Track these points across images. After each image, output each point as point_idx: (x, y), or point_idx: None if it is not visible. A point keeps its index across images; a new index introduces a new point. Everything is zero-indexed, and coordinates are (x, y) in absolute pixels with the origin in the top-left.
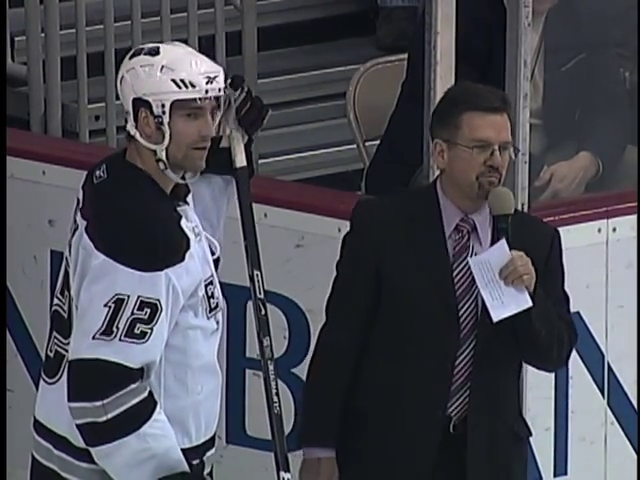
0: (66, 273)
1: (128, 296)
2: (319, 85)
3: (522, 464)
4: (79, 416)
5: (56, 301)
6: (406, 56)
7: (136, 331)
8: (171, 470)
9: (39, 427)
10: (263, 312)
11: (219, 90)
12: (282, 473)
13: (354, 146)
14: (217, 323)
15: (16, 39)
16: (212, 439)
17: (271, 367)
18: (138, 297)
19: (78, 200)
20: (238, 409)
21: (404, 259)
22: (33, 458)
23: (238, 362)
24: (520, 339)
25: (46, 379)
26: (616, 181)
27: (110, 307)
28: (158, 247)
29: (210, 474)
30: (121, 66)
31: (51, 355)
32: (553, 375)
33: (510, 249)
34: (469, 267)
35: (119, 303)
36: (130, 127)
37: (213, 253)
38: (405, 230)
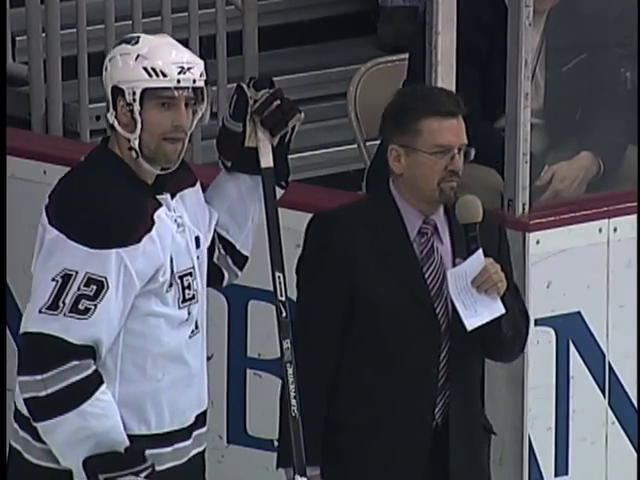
0: None
1: (76, 272)
2: (320, 85)
3: (488, 459)
4: (23, 390)
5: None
6: (407, 56)
7: (80, 307)
8: (109, 449)
9: (15, 410)
10: (284, 314)
11: (194, 81)
12: (298, 477)
13: (355, 146)
14: (189, 314)
15: (17, 39)
16: (185, 431)
17: (290, 370)
18: (86, 273)
19: None
20: (239, 409)
21: (376, 270)
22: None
23: (239, 362)
24: (487, 340)
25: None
26: (617, 181)
27: (57, 282)
28: (110, 225)
29: (191, 465)
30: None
31: None
32: (554, 375)
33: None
34: (438, 268)
35: (67, 278)
36: (109, 116)
37: (198, 247)
38: (370, 240)
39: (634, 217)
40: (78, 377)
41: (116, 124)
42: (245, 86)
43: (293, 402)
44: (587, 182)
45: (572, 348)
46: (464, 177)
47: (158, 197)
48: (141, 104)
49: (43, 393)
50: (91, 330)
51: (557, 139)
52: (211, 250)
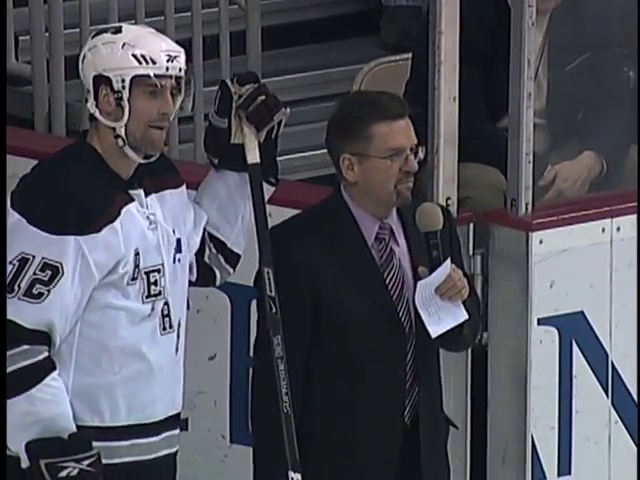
0: None
1: (33, 256)
2: (323, 84)
3: (446, 448)
4: None
5: None
6: (410, 56)
7: (34, 291)
8: (55, 435)
9: None
10: (274, 310)
11: (179, 70)
12: (291, 473)
13: None
14: (152, 310)
15: (20, 38)
16: (146, 427)
17: (281, 366)
18: (42, 258)
19: None
20: (242, 408)
21: (338, 280)
22: None
23: (242, 361)
24: (446, 340)
25: None
26: (620, 181)
27: (14, 265)
28: (69, 212)
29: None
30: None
31: None
32: (557, 375)
33: (441, 263)
34: (397, 272)
35: (23, 262)
36: (90, 105)
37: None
38: (328, 249)
39: (636, 217)
40: (28, 362)
41: (97, 114)
42: (229, 82)
43: (285, 398)
44: (590, 182)
45: (575, 348)
46: (468, 177)
47: (131, 192)
48: (130, 91)
49: None
50: (43, 315)
51: (560, 139)
52: (202, 250)
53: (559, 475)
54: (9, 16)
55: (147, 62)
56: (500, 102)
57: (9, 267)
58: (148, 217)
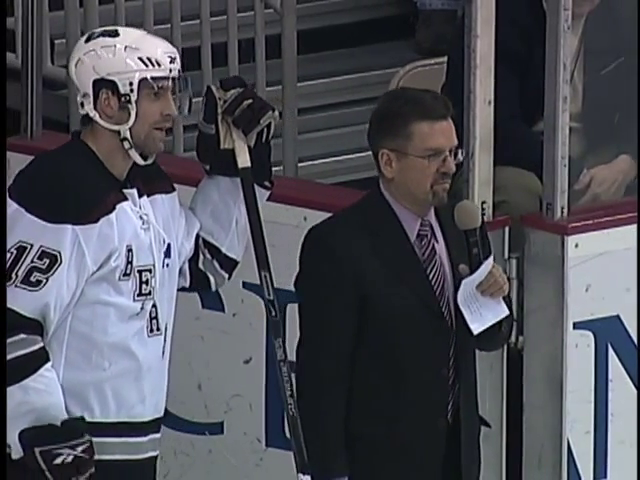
0: None
1: (31, 245)
2: (358, 88)
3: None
4: None
5: None
6: (445, 59)
7: (32, 279)
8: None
9: None
10: (274, 314)
11: (178, 71)
12: (301, 476)
13: None
14: (142, 309)
15: (56, 42)
16: (135, 426)
17: (284, 369)
18: (40, 246)
19: None
20: (277, 412)
21: (383, 277)
22: None
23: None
24: (483, 337)
25: None
26: None
27: (12, 253)
28: (68, 201)
29: (146, 463)
30: (74, 51)
31: None
32: (593, 379)
33: (482, 261)
34: (439, 268)
35: (21, 250)
36: (89, 109)
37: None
38: (372, 246)
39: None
40: (24, 351)
41: (97, 117)
42: (214, 87)
43: (290, 400)
44: (625, 185)
45: (611, 351)
46: (504, 181)
47: (125, 191)
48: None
49: None
50: (40, 303)
51: (595, 143)
52: (196, 256)
53: (595, 478)
54: (45, 19)
55: (153, 65)
56: (536, 106)
57: (7, 255)
58: (141, 217)
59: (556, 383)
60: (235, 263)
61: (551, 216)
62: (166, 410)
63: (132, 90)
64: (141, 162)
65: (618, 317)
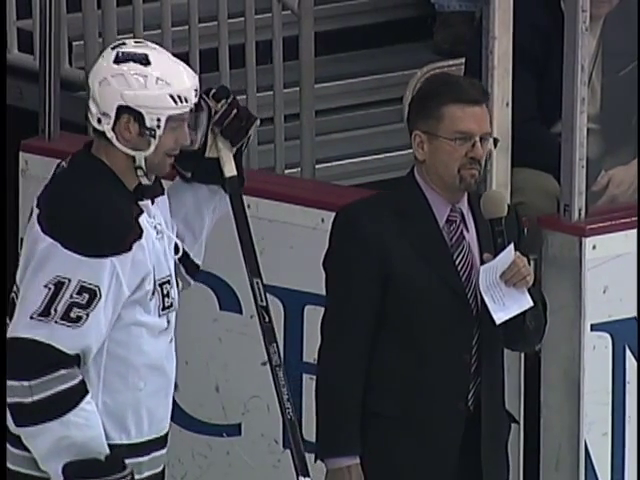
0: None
1: (69, 279)
2: (376, 90)
3: (506, 447)
4: (9, 395)
5: (14, 288)
6: (463, 61)
7: (72, 315)
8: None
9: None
10: (267, 319)
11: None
12: (302, 478)
13: (411, 150)
14: (168, 322)
15: (74, 44)
16: (161, 439)
17: (280, 373)
18: (79, 281)
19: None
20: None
21: (409, 256)
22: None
23: (295, 366)
24: (510, 331)
25: None
26: None
27: (50, 289)
28: (103, 233)
29: (162, 475)
30: (98, 67)
31: None
32: (610, 381)
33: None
34: (467, 255)
35: (59, 286)
36: (107, 129)
37: (177, 253)
38: (400, 227)
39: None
40: (65, 386)
41: (115, 139)
42: (207, 98)
43: (287, 405)
44: None
45: (628, 353)
46: (521, 182)
47: (140, 203)
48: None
49: (29, 400)
50: (82, 339)
51: (614, 144)
52: None
53: None
54: (62, 21)
55: (182, 102)
56: (554, 107)
57: (44, 291)
58: (155, 227)
59: (574, 384)
60: (198, 268)
61: (569, 217)
62: (184, 412)
63: (159, 126)
64: (147, 183)
65: (635, 319)
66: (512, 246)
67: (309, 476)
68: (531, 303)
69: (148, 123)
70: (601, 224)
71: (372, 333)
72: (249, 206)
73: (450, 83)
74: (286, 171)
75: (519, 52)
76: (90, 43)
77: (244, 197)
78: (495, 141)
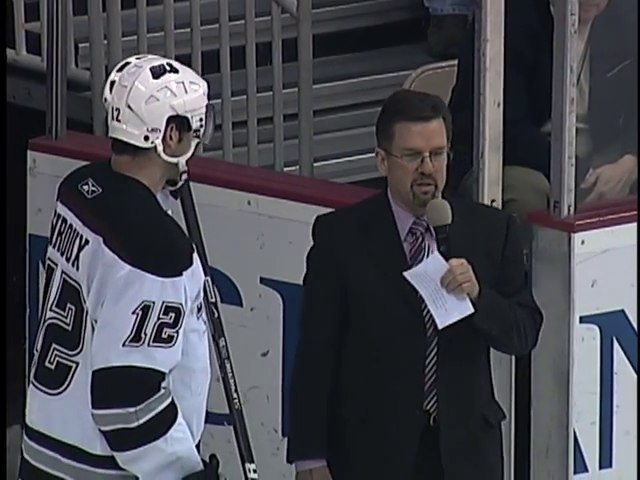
0: (64, 286)
1: (154, 302)
2: (372, 90)
3: (494, 446)
4: (108, 423)
5: (52, 314)
6: (456, 62)
7: (164, 335)
8: (192, 471)
9: (39, 437)
10: (216, 315)
11: None
12: (247, 464)
13: None
14: (205, 324)
15: (80, 45)
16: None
17: (228, 366)
18: (163, 302)
19: (65, 212)
20: None
21: (366, 270)
22: (30, 465)
23: (294, 357)
24: (477, 339)
25: (46, 390)
26: None
27: (138, 314)
28: (175, 253)
29: None
30: (136, 91)
31: (51, 367)
32: (598, 371)
33: (449, 257)
34: None
35: (146, 310)
36: (158, 143)
37: None
38: (363, 241)
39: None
40: (164, 405)
41: (162, 152)
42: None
43: (235, 395)
44: (630, 184)
45: (616, 345)
46: (512, 180)
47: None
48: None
49: (134, 424)
50: (175, 356)
51: (601, 143)
52: None
53: (601, 468)
54: (69, 23)
55: (208, 99)
56: (544, 107)
57: (132, 317)
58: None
59: (563, 375)
60: None
61: (558, 214)
62: None
63: (202, 125)
64: (174, 188)
65: (623, 312)
66: (437, 253)
67: (254, 462)
68: (471, 310)
69: (194, 125)
70: (589, 220)
71: (336, 341)
72: (249, 202)
73: (400, 101)
74: (285, 169)
75: (510, 54)
76: (95, 45)
77: (244, 194)
78: (448, 156)
